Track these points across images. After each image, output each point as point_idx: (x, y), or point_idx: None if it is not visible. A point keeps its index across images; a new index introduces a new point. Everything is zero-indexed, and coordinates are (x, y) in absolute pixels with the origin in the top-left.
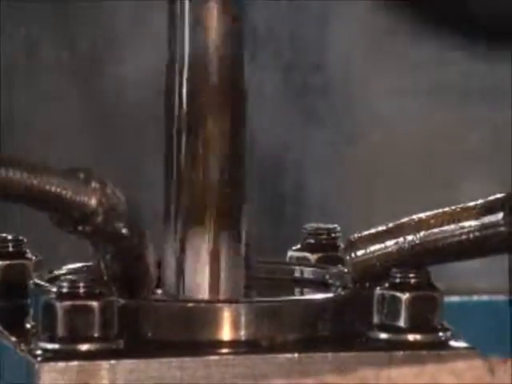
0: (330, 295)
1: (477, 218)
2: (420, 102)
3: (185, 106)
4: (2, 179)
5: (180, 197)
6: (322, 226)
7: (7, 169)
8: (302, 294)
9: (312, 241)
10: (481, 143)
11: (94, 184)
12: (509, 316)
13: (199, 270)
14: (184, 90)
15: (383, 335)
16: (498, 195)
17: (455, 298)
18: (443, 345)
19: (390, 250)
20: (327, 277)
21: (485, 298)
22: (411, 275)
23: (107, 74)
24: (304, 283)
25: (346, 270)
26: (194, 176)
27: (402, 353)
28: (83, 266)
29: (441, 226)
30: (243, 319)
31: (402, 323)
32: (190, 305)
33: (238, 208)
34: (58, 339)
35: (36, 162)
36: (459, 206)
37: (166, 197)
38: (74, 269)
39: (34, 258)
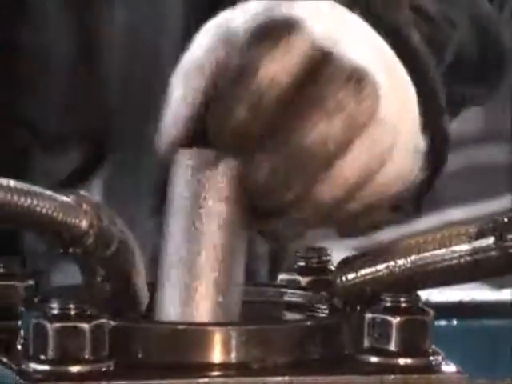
0: (321, 319)
1: (468, 243)
2: None
3: None
4: None
5: None
6: (312, 247)
7: None
8: (292, 317)
9: (303, 264)
10: None
11: (85, 206)
12: (498, 340)
13: (190, 292)
14: None
15: (374, 359)
16: (489, 220)
17: (445, 322)
18: (433, 369)
19: (380, 273)
20: (318, 300)
21: (474, 322)
22: (402, 299)
23: None
24: (294, 306)
25: (336, 294)
26: None
27: (392, 376)
28: (74, 287)
29: (432, 250)
30: (234, 342)
31: (392, 347)
32: (181, 327)
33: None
34: (49, 361)
35: (27, 185)
36: (450, 229)
37: None
38: (64, 290)
39: (24, 279)
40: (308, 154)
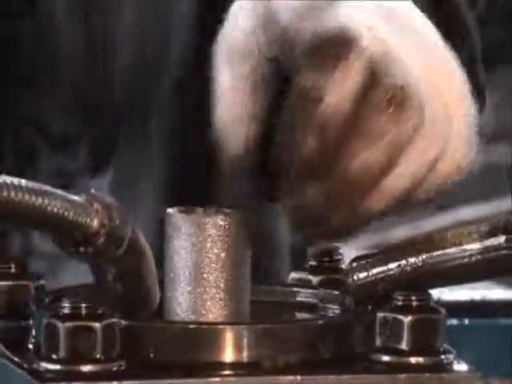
0: (332, 318)
1: (479, 241)
2: None
3: None
4: (4, 201)
5: None
6: (324, 247)
7: (10, 190)
8: (303, 316)
9: (314, 263)
10: None
11: (96, 205)
12: (509, 338)
13: (201, 290)
14: None
15: (385, 358)
16: (500, 218)
17: (456, 321)
18: (445, 367)
19: (392, 272)
20: (329, 299)
21: (486, 321)
22: (413, 298)
23: None
24: (306, 306)
25: (348, 293)
26: None
27: (404, 375)
28: (85, 287)
29: (443, 248)
30: (245, 341)
31: (404, 346)
32: (192, 326)
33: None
34: (60, 360)
35: (39, 184)
36: (461, 228)
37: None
38: (75, 289)
39: (35, 278)
40: (353, 179)
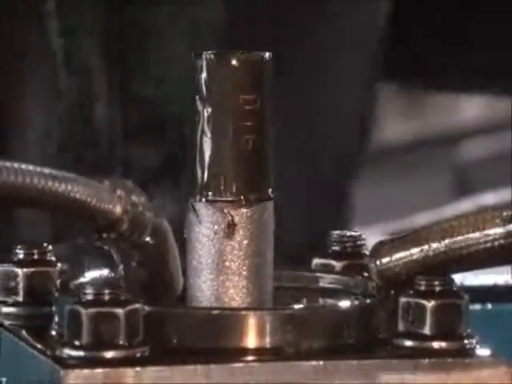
0: (355, 303)
1: (502, 226)
2: None
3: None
4: (27, 188)
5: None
6: (347, 233)
7: (32, 177)
8: (326, 301)
9: (337, 248)
10: None
11: (119, 192)
12: None
13: (224, 278)
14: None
15: (408, 343)
16: None
17: (479, 306)
18: (468, 353)
19: (414, 257)
20: (352, 284)
21: (509, 306)
22: (436, 283)
23: None
24: (329, 291)
25: (371, 278)
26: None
27: (427, 360)
28: (108, 274)
29: (465, 233)
30: (268, 327)
31: (427, 331)
32: (216, 312)
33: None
34: (83, 346)
35: (61, 171)
36: (483, 213)
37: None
38: (98, 276)
39: (58, 265)
40: None
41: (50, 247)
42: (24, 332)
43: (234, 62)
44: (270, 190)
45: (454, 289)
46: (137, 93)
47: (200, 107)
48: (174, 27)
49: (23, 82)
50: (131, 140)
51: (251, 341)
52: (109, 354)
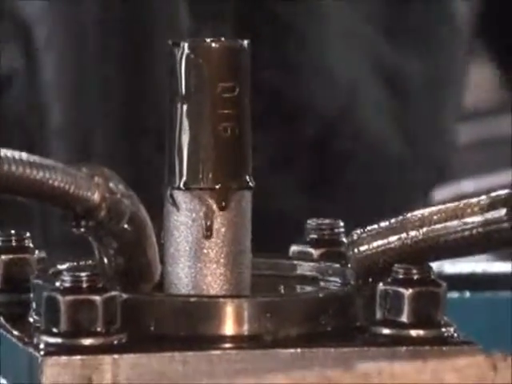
0: (333, 290)
1: (480, 214)
2: None
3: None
4: (5, 174)
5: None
6: (325, 221)
7: (10, 164)
8: (304, 289)
9: (315, 236)
10: None
11: (97, 179)
12: (510, 312)
13: (202, 265)
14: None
15: (386, 331)
16: (501, 191)
17: (457, 294)
18: (446, 341)
19: (392, 245)
20: (330, 272)
21: (487, 294)
22: (414, 271)
23: None
24: (307, 279)
25: (348, 266)
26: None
27: (404, 348)
28: (86, 261)
29: (444, 221)
30: (246, 314)
31: (404, 319)
32: (193, 299)
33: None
34: (61, 333)
35: (40, 158)
36: (462, 201)
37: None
38: (76, 263)
39: (36, 252)
40: None
41: (28, 234)
42: (2, 319)
43: (211, 50)
44: (248, 177)
45: (432, 277)
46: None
47: (178, 95)
48: None
49: None
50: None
51: (229, 328)
52: (86, 341)
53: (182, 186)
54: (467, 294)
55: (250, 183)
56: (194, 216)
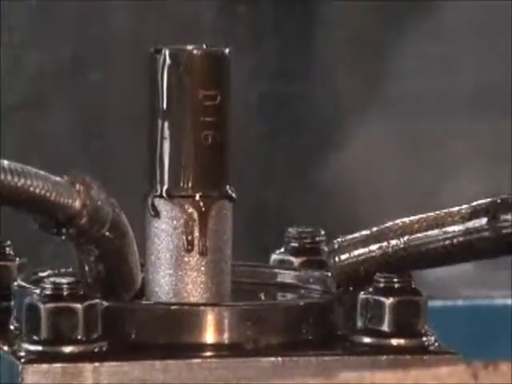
0: (314, 299)
1: (461, 223)
2: None
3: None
4: None
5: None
6: (305, 229)
7: None
8: (285, 297)
9: (296, 244)
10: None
11: (78, 186)
12: (495, 320)
13: (183, 273)
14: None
15: (367, 339)
16: (482, 200)
17: (438, 303)
18: (427, 349)
19: (373, 254)
20: (311, 281)
21: (467, 302)
22: (395, 280)
23: None
24: (287, 287)
25: (329, 274)
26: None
27: (385, 357)
28: (67, 268)
29: (425, 230)
30: (226, 322)
31: (385, 328)
32: (174, 307)
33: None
34: (42, 341)
35: (21, 165)
36: (443, 210)
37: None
38: (57, 271)
39: (17, 259)
40: None
41: (9, 242)
42: None
43: (193, 58)
44: (228, 186)
45: (413, 286)
46: None
47: (159, 102)
48: None
49: None
50: None
51: (209, 336)
52: (67, 349)
53: (163, 193)
54: (449, 302)
55: (231, 193)
56: (174, 224)
